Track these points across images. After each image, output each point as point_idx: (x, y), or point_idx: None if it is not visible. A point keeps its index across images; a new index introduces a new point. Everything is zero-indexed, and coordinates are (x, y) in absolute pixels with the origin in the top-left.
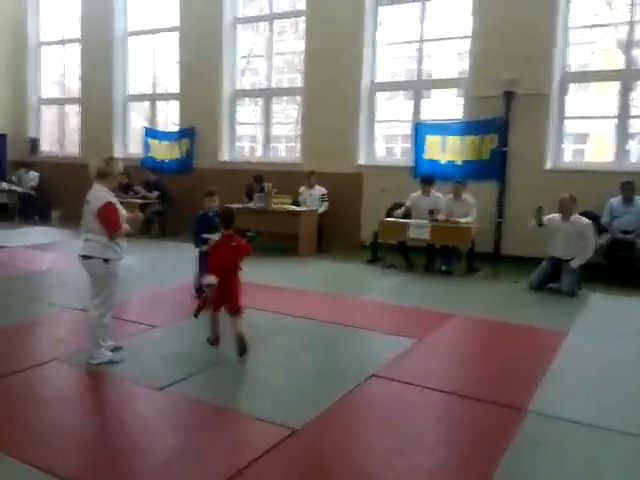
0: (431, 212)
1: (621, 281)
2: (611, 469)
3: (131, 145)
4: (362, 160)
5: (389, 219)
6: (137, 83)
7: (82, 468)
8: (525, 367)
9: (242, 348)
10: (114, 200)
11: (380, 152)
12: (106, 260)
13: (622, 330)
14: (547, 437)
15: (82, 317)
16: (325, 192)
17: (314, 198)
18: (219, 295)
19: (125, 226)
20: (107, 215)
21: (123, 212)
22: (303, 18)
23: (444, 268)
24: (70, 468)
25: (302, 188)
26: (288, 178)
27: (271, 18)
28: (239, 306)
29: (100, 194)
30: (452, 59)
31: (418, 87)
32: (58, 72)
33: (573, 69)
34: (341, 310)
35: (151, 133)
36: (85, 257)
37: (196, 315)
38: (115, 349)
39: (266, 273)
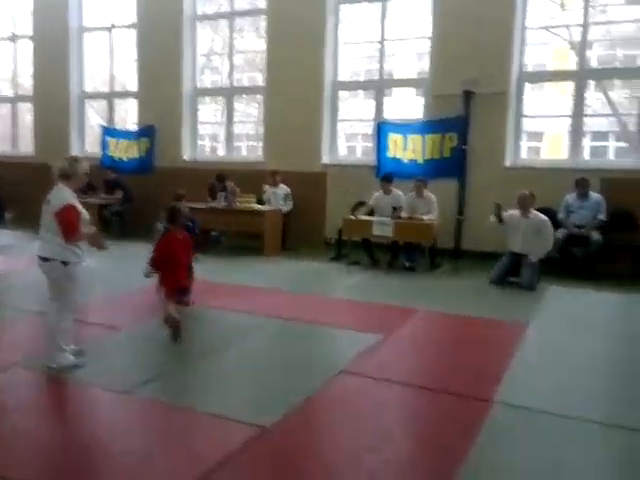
0: (394, 209)
1: (577, 274)
2: (576, 457)
3: (88, 144)
4: (326, 159)
5: (353, 217)
6: (94, 81)
7: (47, 476)
8: (489, 359)
9: (176, 333)
10: (76, 203)
11: (342, 151)
12: (65, 263)
13: (579, 321)
14: (513, 427)
15: (42, 321)
16: (289, 191)
17: (278, 197)
18: (172, 287)
19: (85, 231)
20: (66, 218)
21: (85, 216)
22: (263, 16)
23: (407, 264)
24: (34, 476)
25: (266, 187)
26: (251, 177)
27: (231, 16)
28: (189, 301)
29: (63, 194)
30: (412, 59)
31: (380, 86)
32: (10, 69)
33: (529, 69)
34: (308, 308)
35: (109, 132)
36: (43, 259)
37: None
38: (78, 353)
39: (232, 273)
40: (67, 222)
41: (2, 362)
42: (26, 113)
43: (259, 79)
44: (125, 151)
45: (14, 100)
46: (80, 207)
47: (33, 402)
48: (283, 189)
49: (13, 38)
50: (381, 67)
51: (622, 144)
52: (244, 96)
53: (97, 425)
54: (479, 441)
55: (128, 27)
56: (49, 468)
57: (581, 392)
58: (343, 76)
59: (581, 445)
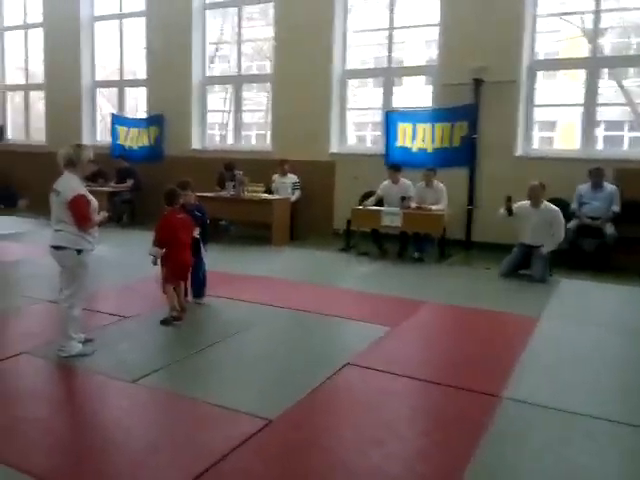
0: (403, 199)
1: (590, 267)
2: (586, 455)
3: (100, 133)
4: (334, 148)
5: (361, 207)
6: (104, 69)
7: (53, 464)
8: (498, 353)
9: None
10: (85, 191)
11: (351, 140)
12: (79, 251)
13: (591, 315)
14: (522, 423)
15: (52, 309)
16: (297, 180)
17: (287, 186)
18: (175, 266)
19: (97, 218)
20: (78, 208)
21: (95, 203)
22: (272, 4)
23: (416, 255)
24: (41, 464)
25: (275, 176)
26: (259, 166)
27: (240, 4)
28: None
29: (71, 184)
30: (421, 47)
31: (388, 74)
32: (22, 57)
33: (540, 57)
34: (315, 299)
35: (119, 120)
36: (57, 248)
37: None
38: (86, 341)
39: (240, 262)
40: (78, 212)
41: (12, 350)
42: (38, 102)
43: (268, 67)
44: (135, 140)
45: (27, 88)
46: (89, 195)
47: (42, 390)
48: (292, 178)
49: (25, 27)
50: (390, 55)
51: (637, 134)
52: (253, 84)
53: (104, 414)
54: (487, 437)
55: (137, 15)
56: (56, 457)
57: (593, 389)
58: (352, 64)
59: (593, 443)
